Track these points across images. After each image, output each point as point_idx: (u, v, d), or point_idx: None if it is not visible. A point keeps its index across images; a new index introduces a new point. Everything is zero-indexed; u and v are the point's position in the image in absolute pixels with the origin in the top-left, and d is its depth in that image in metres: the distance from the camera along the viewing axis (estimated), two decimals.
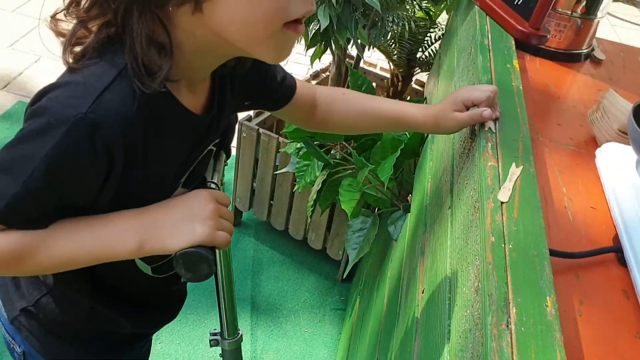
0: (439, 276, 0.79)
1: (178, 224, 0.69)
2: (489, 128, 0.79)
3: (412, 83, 2.24)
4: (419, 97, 2.30)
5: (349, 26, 1.27)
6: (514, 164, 0.74)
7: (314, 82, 2.03)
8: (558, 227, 0.93)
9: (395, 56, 2.00)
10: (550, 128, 1.17)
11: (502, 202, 0.67)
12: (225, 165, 0.88)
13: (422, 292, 0.88)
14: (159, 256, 0.80)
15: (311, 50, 1.44)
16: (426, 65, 2.08)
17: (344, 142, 1.44)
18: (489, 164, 0.73)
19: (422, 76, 2.27)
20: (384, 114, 0.92)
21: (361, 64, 2.27)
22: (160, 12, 0.61)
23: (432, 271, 0.86)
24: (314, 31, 1.32)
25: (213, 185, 0.83)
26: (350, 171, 1.42)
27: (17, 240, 0.65)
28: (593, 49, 1.55)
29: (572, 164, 1.08)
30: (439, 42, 2.02)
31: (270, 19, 0.61)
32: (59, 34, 0.66)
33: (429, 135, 1.29)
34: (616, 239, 0.89)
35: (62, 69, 0.66)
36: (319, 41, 1.33)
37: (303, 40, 1.36)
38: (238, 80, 0.81)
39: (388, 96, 2.18)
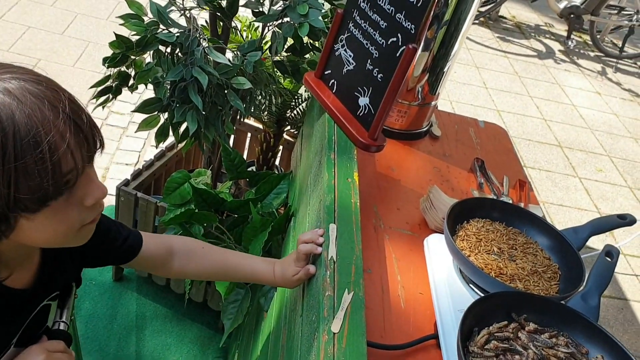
0: None
1: None
2: (332, 257, 0.97)
3: (284, 135, 2.42)
4: (291, 149, 2.48)
5: (216, 124, 1.41)
6: (346, 291, 0.92)
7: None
8: (392, 315, 1.13)
9: (266, 118, 2.16)
10: (391, 213, 1.38)
11: (334, 333, 0.85)
12: (75, 297, 0.99)
13: None
14: None
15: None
16: (295, 123, 2.26)
17: (218, 224, 1.58)
18: (327, 293, 0.91)
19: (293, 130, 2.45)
20: (239, 270, 1.09)
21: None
22: None
23: None
24: (183, 129, 1.45)
25: (62, 325, 0.93)
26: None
27: None
28: (432, 125, 1.80)
29: (407, 250, 1.29)
30: (305, 102, 2.21)
31: (66, 233, 0.75)
32: None
33: (292, 221, 1.47)
34: (436, 324, 1.11)
35: None
36: (188, 137, 1.46)
37: (174, 137, 1.48)
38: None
39: (262, 150, 2.34)
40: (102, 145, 0.76)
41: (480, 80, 4.90)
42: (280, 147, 2.47)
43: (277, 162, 2.55)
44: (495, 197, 1.52)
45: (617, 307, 2.90)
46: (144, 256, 1.04)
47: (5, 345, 0.85)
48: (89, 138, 0.72)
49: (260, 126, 2.43)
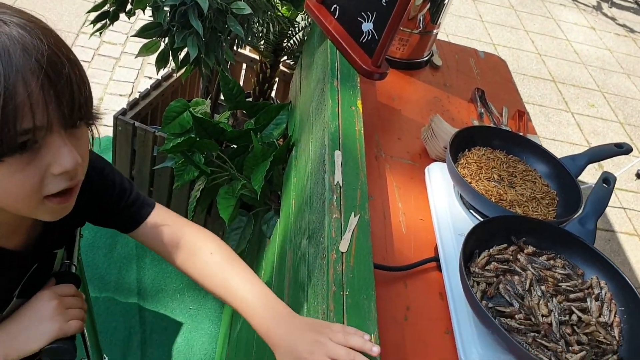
0: (300, 301, 0.99)
1: (30, 328, 0.80)
2: (337, 182, 0.99)
3: (280, 66, 2.39)
4: (288, 80, 2.46)
5: (216, 51, 1.39)
6: (352, 214, 0.94)
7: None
8: (394, 240, 1.16)
9: (263, 48, 2.13)
10: (392, 143, 1.40)
11: (342, 253, 0.87)
12: (81, 237, 0.99)
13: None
14: None
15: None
16: (292, 53, 2.24)
17: (220, 153, 1.58)
18: (334, 216, 0.93)
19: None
20: (232, 297, 0.89)
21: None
22: None
23: (295, 292, 1.06)
24: (183, 56, 1.43)
25: (70, 267, 0.93)
26: (226, 177, 1.58)
27: None
28: (432, 54, 1.79)
29: (407, 179, 1.31)
30: (302, 31, 2.17)
31: (26, 200, 0.68)
32: None
33: (293, 150, 1.48)
34: (437, 248, 1.14)
35: None
36: (189, 64, 1.44)
37: (173, 64, 1.46)
38: (87, 195, 0.87)
39: (258, 82, 2.32)
40: (83, 110, 0.67)
41: (476, 13, 4.82)
42: (277, 79, 2.45)
43: (272, 94, 2.53)
44: (488, 126, 1.53)
45: (604, 239, 2.99)
46: (147, 233, 0.94)
47: (8, 299, 0.84)
48: (63, 97, 0.64)
49: (257, 57, 2.40)
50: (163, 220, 0.96)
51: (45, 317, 0.80)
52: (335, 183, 0.98)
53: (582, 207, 1.16)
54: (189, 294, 2.12)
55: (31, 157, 0.65)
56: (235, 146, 1.65)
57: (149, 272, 2.15)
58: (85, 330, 1.12)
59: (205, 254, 0.93)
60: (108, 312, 2.01)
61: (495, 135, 1.29)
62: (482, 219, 1.14)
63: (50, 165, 0.66)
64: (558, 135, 3.65)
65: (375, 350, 0.74)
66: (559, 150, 3.50)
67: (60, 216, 0.73)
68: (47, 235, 0.86)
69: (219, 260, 0.93)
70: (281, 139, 1.75)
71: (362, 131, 1.13)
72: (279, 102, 2.53)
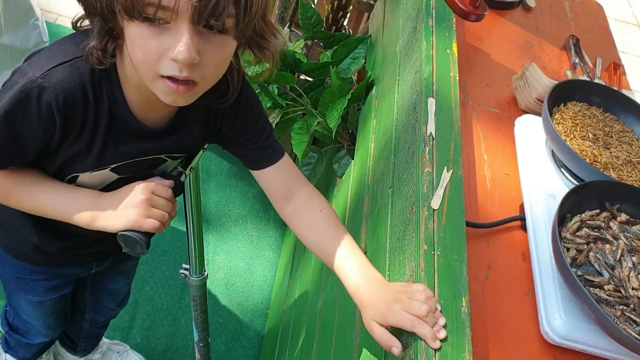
0: (380, 252, 0.98)
1: (115, 209, 0.86)
2: (430, 133, 0.94)
3: None
4: (362, 9, 2.36)
5: None
6: (445, 169, 0.90)
7: None
8: (477, 194, 1.13)
9: None
10: (479, 90, 1.33)
11: (434, 210, 0.84)
12: (204, 151, 1.01)
13: (366, 253, 1.07)
14: None
15: None
16: None
17: (295, 86, 1.54)
18: (426, 170, 0.89)
19: None
20: (330, 255, 0.90)
21: None
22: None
23: (373, 239, 1.05)
24: None
25: (177, 173, 0.96)
26: (301, 112, 1.54)
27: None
28: None
29: (494, 129, 1.25)
30: None
31: (144, 69, 0.74)
32: None
33: (373, 89, 1.42)
34: (522, 206, 1.10)
35: None
36: None
37: None
38: (227, 120, 0.93)
39: (332, 9, 2.23)
40: (221, 15, 0.68)
41: None
42: (350, 8, 2.35)
43: (344, 23, 2.44)
44: (589, 80, 1.44)
45: None
46: (268, 176, 0.97)
47: (105, 164, 0.87)
48: None
49: None
50: (286, 170, 0.99)
51: (129, 205, 0.85)
52: (428, 134, 0.94)
53: None
54: (252, 221, 2.15)
55: (158, 33, 0.70)
56: (310, 79, 1.61)
57: (213, 196, 2.18)
58: (193, 242, 1.15)
59: (314, 210, 0.96)
60: (172, 231, 2.06)
61: (595, 91, 1.21)
62: (573, 180, 1.09)
63: (168, 49, 0.70)
64: (639, 87, 3.44)
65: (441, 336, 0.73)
66: None
67: (173, 103, 0.77)
68: (175, 128, 0.89)
69: (325, 218, 0.95)
70: (355, 74, 1.69)
71: (457, 78, 1.07)
72: (351, 31, 2.44)
